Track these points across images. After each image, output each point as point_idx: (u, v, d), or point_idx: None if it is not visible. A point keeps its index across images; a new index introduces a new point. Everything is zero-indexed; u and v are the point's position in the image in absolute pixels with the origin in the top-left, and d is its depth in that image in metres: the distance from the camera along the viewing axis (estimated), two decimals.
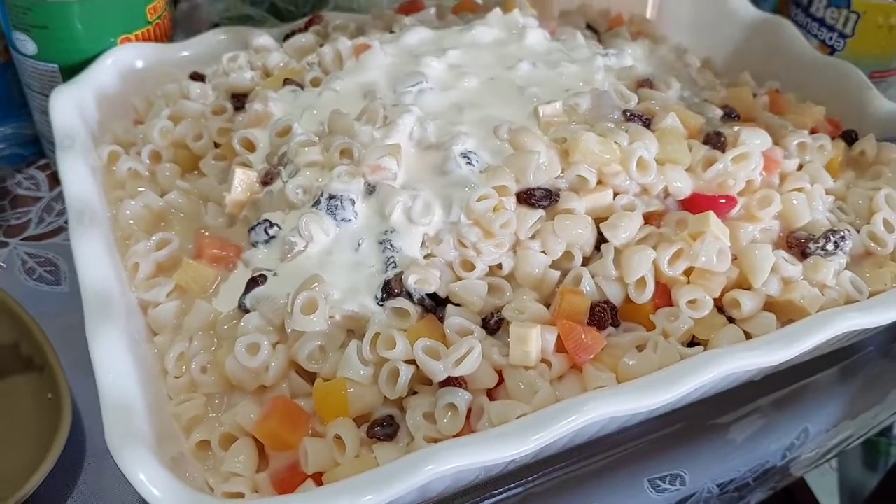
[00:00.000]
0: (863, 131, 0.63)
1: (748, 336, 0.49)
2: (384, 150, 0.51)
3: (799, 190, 0.55)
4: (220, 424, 0.46)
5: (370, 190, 0.51)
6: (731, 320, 0.51)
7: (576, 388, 0.46)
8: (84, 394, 0.51)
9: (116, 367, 0.44)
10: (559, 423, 0.41)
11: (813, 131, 0.62)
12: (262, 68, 0.63)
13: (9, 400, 0.53)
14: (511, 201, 0.51)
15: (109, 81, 0.66)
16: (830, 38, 0.82)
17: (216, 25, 0.74)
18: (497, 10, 0.65)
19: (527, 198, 0.51)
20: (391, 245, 0.50)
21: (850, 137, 0.62)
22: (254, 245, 0.52)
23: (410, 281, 0.48)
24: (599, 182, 0.52)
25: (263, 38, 0.66)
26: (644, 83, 0.60)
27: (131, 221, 0.55)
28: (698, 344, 0.49)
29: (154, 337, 0.50)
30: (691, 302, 0.49)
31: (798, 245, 0.53)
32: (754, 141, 0.53)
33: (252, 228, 0.52)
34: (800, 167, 0.58)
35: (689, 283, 0.50)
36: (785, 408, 0.61)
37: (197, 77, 0.66)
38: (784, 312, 0.51)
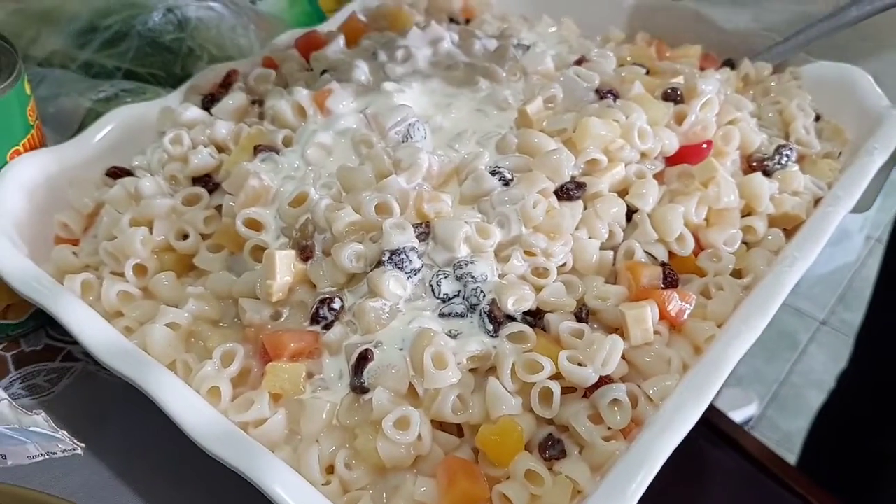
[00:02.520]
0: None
1: None
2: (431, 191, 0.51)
3: (734, 121, 0.63)
4: None
5: (423, 233, 0.51)
6: (746, 245, 0.58)
7: (686, 345, 0.50)
8: None
9: (313, 499, 0.40)
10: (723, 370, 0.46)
11: (701, 68, 0.71)
12: (209, 142, 0.58)
13: None
14: (555, 201, 0.53)
15: (18, 204, 0.56)
16: None
17: (90, 111, 0.65)
18: (415, 29, 0.65)
19: (564, 193, 0.54)
20: (472, 276, 0.50)
21: (731, 66, 0.72)
22: (326, 328, 0.49)
23: (510, 303, 0.49)
24: (608, 160, 0.56)
25: (192, 111, 0.60)
26: (580, 61, 0.65)
27: (169, 348, 0.49)
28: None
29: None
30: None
31: (759, 166, 0.62)
32: (709, 87, 0.60)
33: (315, 312, 0.49)
34: None
35: (708, 224, 0.57)
36: None
37: (120, 172, 0.59)
38: (780, 225, 0.59)
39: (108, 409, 0.58)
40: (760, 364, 1.96)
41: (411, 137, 0.55)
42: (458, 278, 0.50)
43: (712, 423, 0.69)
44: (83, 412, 0.58)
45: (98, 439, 0.55)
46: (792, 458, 1.31)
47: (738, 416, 1.78)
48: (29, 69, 0.72)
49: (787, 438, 1.78)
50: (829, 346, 1.99)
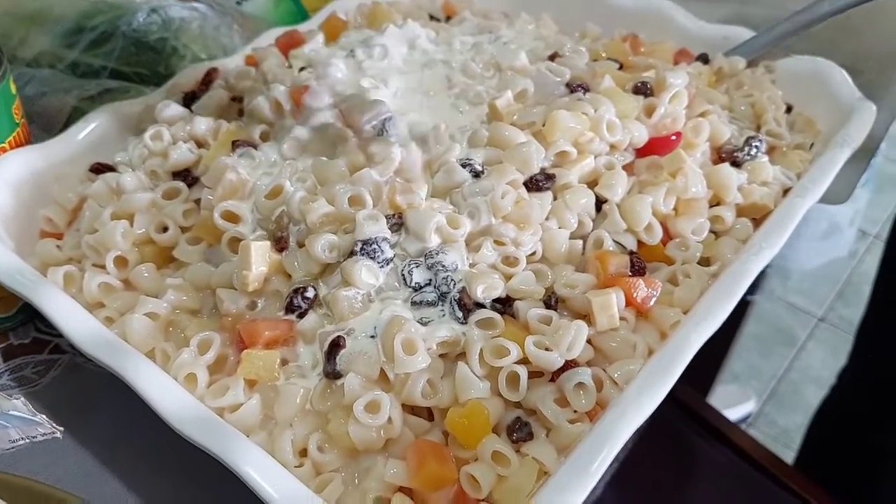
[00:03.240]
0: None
1: None
2: (403, 183, 0.52)
3: (704, 114, 0.65)
4: (367, 492, 0.46)
5: (396, 224, 0.52)
6: (715, 234, 0.59)
7: (652, 331, 0.52)
8: None
9: (284, 479, 0.42)
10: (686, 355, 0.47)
11: (676, 62, 0.72)
12: (189, 138, 0.59)
13: None
14: (524, 192, 0.54)
15: (4, 200, 0.58)
16: None
17: (76, 109, 0.67)
18: (392, 27, 0.66)
19: (534, 185, 0.55)
20: (443, 266, 0.51)
21: (704, 60, 0.73)
22: (300, 316, 0.51)
23: (479, 291, 0.50)
24: (578, 152, 0.58)
25: (172, 108, 0.61)
26: (553, 56, 0.66)
27: (148, 337, 0.51)
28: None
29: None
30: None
31: (729, 157, 0.63)
32: (678, 80, 0.62)
33: (290, 302, 0.50)
34: None
35: (677, 214, 0.58)
36: None
37: (103, 168, 0.60)
38: (748, 215, 0.60)
39: (94, 400, 0.59)
40: (758, 360, 1.96)
41: (386, 132, 0.57)
42: (430, 267, 0.51)
43: (706, 420, 0.70)
44: (69, 402, 0.59)
45: (83, 428, 0.56)
46: (790, 454, 1.31)
47: (735, 412, 1.79)
48: (18, 69, 0.74)
49: (784, 434, 1.78)
50: (828, 343, 1.99)
